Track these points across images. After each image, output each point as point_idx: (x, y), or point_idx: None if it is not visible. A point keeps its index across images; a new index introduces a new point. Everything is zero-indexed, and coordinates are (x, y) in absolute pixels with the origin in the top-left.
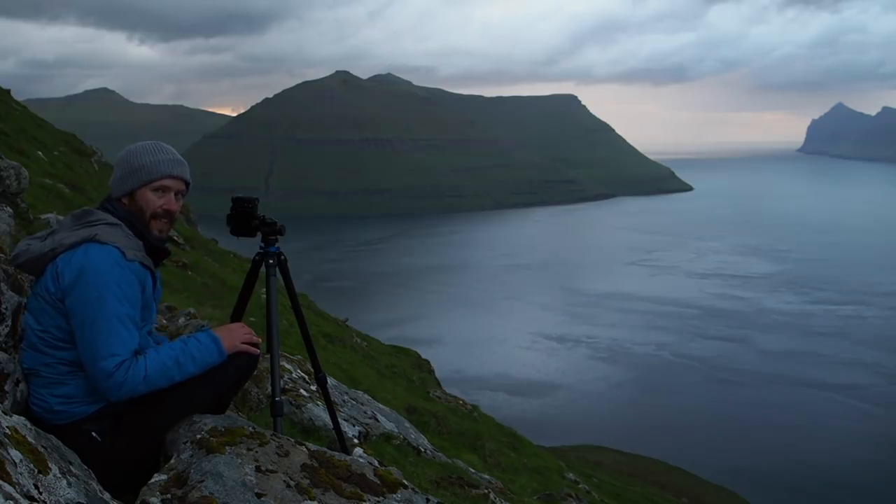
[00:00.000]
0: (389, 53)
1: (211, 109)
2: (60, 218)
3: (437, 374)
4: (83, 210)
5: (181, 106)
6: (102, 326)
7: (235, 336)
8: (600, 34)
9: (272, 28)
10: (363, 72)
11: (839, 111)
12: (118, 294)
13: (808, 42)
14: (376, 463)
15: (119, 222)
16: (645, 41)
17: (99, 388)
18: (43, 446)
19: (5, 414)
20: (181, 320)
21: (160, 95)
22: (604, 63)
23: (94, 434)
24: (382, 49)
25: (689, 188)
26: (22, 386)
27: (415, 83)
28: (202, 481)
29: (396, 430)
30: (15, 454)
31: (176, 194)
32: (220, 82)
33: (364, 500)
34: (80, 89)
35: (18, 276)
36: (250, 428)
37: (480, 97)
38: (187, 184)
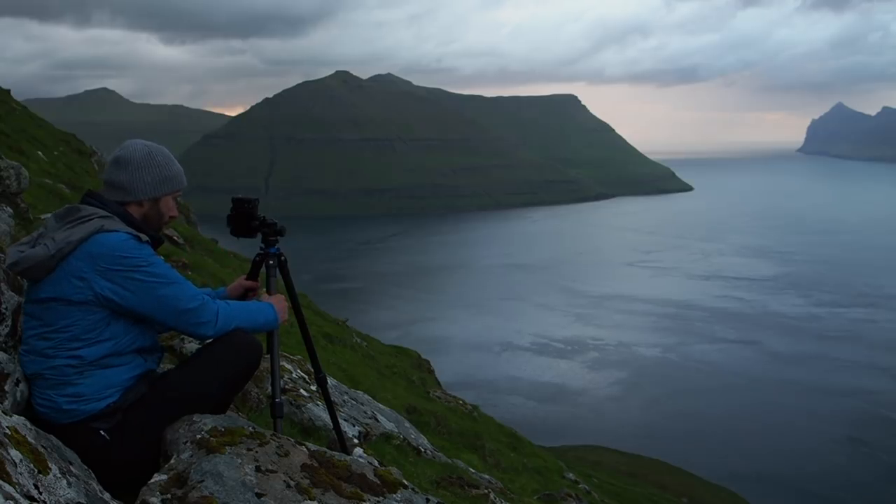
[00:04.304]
0: (413, 55)
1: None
2: None
3: (437, 374)
4: (67, 208)
5: (181, 106)
6: (171, 287)
7: (281, 308)
8: (624, 37)
9: (305, 31)
10: (377, 71)
11: (839, 111)
12: (157, 260)
13: (824, 43)
14: (376, 463)
15: (111, 215)
16: (666, 42)
17: (197, 330)
18: (43, 446)
19: (5, 414)
20: None
21: (176, 95)
22: (617, 64)
23: (102, 433)
24: (408, 51)
25: (689, 188)
26: (22, 386)
27: (429, 84)
28: (202, 481)
29: (396, 430)
30: (15, 454)
31: None
32: (238, 81)
33: (364, 500)
34: (83, 89)
35: (18, 277)
36: (250, 428)
37: (480, 97)
38: None
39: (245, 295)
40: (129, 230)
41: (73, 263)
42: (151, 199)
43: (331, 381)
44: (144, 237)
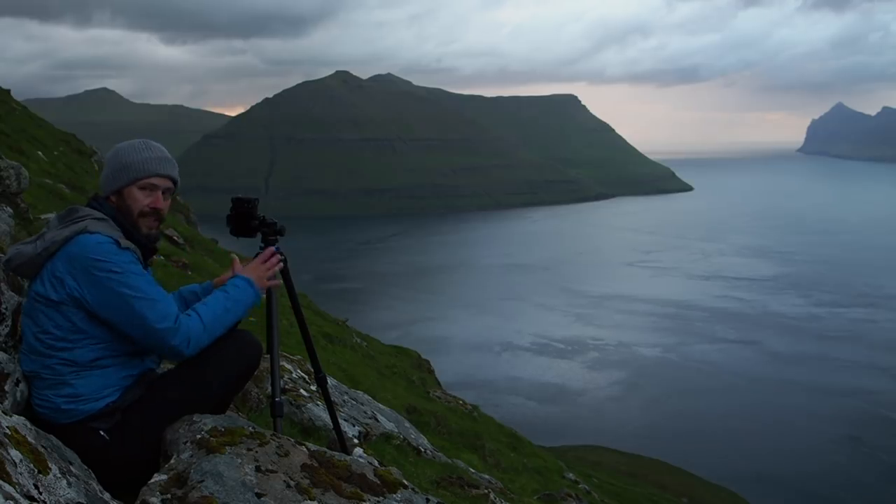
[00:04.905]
0: (414, 55)
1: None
2: None
3: (438, 374)
4: (68, 209)
5: (181, 106)
6: (140, 302)
7: (262, 275)
8: (625, 37)
9: (306, 31)
10: (377, 71)
11: (839, 111)
12: (134, 269)
13: (824, 43)
14: (376, 463)
15: (106, 217)
16: (666, 42)
17: (170, 352)
18: (43, 446)
19: (5, 414)
20: None
21: (176, 95)
22: (617, 64)
23: (101, 433)
24: (408, 51)
25: (688, 188)
26: (22, 386)
27: (429, 84)
28: (202, 481)
29: (396, 430)
30: (15, 454)
31: (164, 192)
32: (238, 81)
33: (364, 500)
34: (83, 89)
35: (18, 276)
36: (250, 428)
37: (480, 97)
38: (175, 182)
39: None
40: (113, 234)
41: (55, 263)
42: (115, 193)
43: (331, 381)
44: (125, 243)
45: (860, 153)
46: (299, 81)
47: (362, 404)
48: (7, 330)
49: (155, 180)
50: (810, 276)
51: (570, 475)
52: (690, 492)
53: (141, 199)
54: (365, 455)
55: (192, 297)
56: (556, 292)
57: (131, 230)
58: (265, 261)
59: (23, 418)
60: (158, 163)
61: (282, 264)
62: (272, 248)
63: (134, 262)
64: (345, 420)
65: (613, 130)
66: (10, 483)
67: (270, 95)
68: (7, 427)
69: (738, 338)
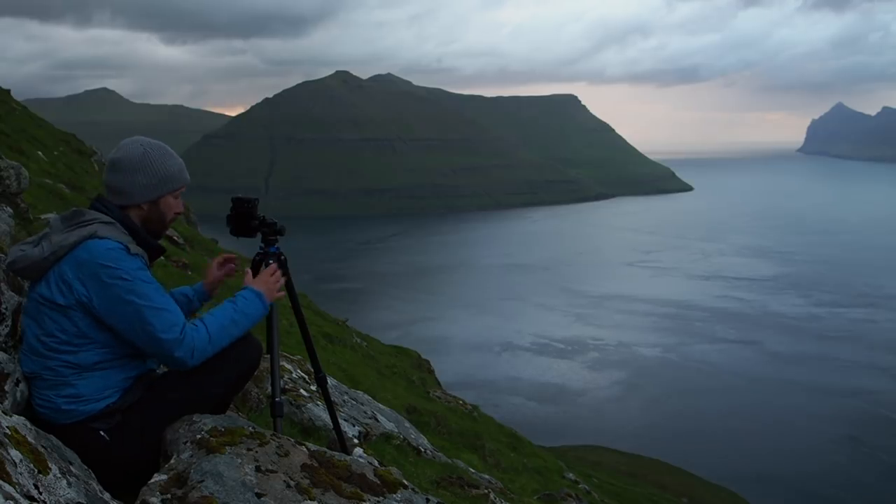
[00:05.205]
0: (414, 55)
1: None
2: None
3: (438, 374)
4: (73, 211)
5: (181, 106)
6: (148, 311)
7: (272, 287)
8: (625, 37)
9: (307, 31)
10: (377, 71)
11: (839, 111)
12: (143, 277)
13: (824, 43)
14: (376, 463)
15: (113, 221)
16: (667, 42)
17: (173, 362)
18: (43, 446)
19: (5, 414)
20: None
21: (176, 95)
22: (617, 64)
23: (101, 433)
24: (408, 51)
25: (688, 188)
26: (22, 386)
27: (429, 84)
28: (202, 481)
29: (396, 430)
30: (15, 454)
31: None
32: (238, 81)
33: (364, 500)
34: (83, 89)
35: (19, 278)
36: (250, 428)
37: (480, 97)
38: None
39: (224, 265)
40: (122, 240)
41: (62, 267)
42: (150, 202)
43: (331, 381)
44: (134, 249)
45: (860, 153)
46: (299, 81)
47: (362, 404)
48: (7, 330)
49: (184, 187)
50: (810, 276)
51: (570, 475)
52: (690, 492)
53: (174, 206)
54: (365, 455)
55: (182, 299)
56: (556, 292)
57: (145, 235)
58: (273, 273)
59: (23, 418)
60: (185, 170)
61: (284, 279)
62: (275, 265)
63: (143, 269)
64: (345, 420)
65: (613, 130)
66: (10, 483)
67: (270, 95)
68: (7, 427)
69: (738, 338)
